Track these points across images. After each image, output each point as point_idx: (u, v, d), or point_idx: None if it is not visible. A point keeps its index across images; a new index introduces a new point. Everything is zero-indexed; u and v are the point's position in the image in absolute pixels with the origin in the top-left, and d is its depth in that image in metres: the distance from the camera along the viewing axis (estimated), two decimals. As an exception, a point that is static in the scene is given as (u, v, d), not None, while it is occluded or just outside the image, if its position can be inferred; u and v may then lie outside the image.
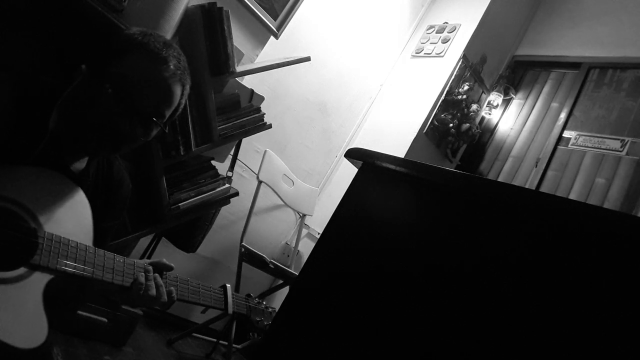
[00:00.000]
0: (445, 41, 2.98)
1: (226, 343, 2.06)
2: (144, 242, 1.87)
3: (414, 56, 3.10)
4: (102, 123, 0.81)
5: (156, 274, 0.88)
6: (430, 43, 3.05)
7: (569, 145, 2.76)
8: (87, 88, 0.83)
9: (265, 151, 2.40)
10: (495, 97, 3.11)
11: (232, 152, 1.96)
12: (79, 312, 1.56)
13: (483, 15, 2.92)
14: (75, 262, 0.76)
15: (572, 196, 2.56)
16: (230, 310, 0.98)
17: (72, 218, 0.80)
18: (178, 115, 0.94)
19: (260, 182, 2.30)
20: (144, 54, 0.84)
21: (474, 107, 2.99)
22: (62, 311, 0.96)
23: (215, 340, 2.26)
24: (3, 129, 0.76)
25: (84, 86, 0.83)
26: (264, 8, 2.01)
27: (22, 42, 1.21)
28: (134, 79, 0.82)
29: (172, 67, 0.86)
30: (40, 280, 0.73)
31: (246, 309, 1.04)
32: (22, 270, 0.71)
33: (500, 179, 2.91)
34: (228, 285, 1.02)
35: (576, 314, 0.51)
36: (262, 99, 1.87)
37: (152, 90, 0.84)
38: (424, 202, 0.73)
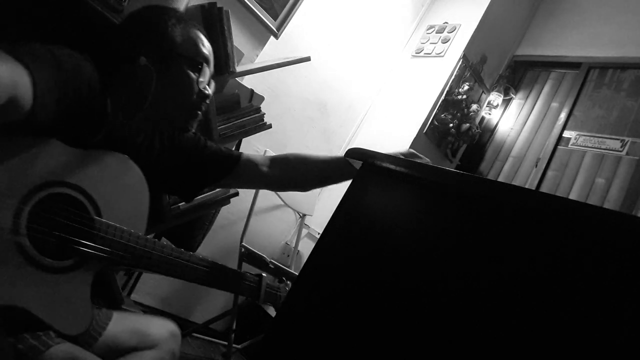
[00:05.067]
0: (445, 41, 2.98)
1: (226, 343, 2.06)
2: (144, 242, 1.87)
3: (414, 56, 3.10)
4: (201, 97, 0.90)
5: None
6: (430, 43, 3.05)
7: (569, 145, 2.76)
8: (168, 75, 0.87)
9: (265, 151, 2.40)
10: (495, 97, 3.11)
11: (232, 152, 1.96)
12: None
13: (483, 15, 2.93)
14: (125, 257, 0.78)
15: (572, 196, 2.57)
16: (261, 302, 0.99)
17: (130, 205, 0.82)
18: None
19: (260, 182, 2.29)
20: (182, 25, 0.90)
21: (474, 107, 2.99)
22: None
23: (215, 340, 2.26)
24: (70, 111, 0.75)
25: (162, 73, 0.86)
26: (264, 8, 2.01)
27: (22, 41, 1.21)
28: (198, 48, 0.90)
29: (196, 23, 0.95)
30: (92, 269, 0.75)
31: (275, 299, 1.03)
32: (74, 259, 0.73)
33: (500, 179, 2.91)
34: (264, 274, 1.02)
35: (589, 326, 0.51)
36: (262, 99, 1.87)
37: (208, 49, 0.93)
38: (424, 202, 0.73)
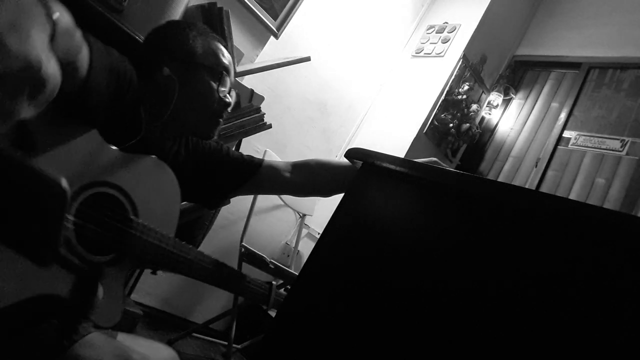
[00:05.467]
0: (445, 41, 2.99)
1: (226, 343, 2.06)
2: (144, 242, 1.87)
3: (414, 56, 3.10)
4: (222, 105, 0.94)
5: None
6: (430, 43, 3.05)
7: (569, 145, 2.76)
8: (190, 84, 0.90)
9: (265, 151, 2.40)
10: (495, 97, 3.11)
11: (232, 152, 1.96)
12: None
13: (483, 15, 2.93)
14: (156, 257, 0.83)
15: (572, 196, 2.57)
16: (269, 308, 1.05)
17: (164, 208, 0.86)
18: None
19: (260, 182, 2.29)
20: (203, 37, 0.94)
21: (474, 107, 2.99)
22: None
23: (215, 340, 2.26)
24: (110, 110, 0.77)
25: (184, 83, 0.90)
26: (264, 8, 2.01)
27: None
28: (219, 58, 0.94)
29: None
30: (126, 266, 0.80)
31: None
32: (111, 256, 0.77)
33: (500, 179, 2.91)
34: (274, 283, 1.06)
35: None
36: (262, 99, 1.87)
37: (228, 59, 0.97)
38: (424, 203, 0.73)
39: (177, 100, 0.89)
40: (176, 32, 0.93)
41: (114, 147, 0.77)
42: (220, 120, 0.96)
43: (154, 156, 0.85)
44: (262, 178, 1.07)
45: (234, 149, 1.93)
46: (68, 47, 0.56)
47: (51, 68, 0.41)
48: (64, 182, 0.46)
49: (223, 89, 0.94)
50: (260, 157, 2.03)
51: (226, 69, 0.95)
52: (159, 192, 0.85)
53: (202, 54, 0.92)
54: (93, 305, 0.61)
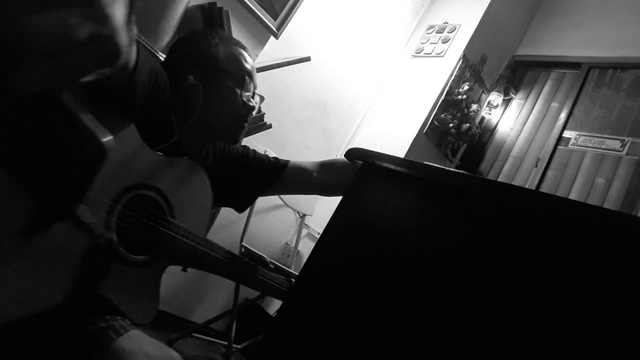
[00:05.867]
0: (445, 41, 2.99)
1: (226, 343, 2.06)
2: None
3: (414, 56, 3.10)
4: (246, 109, 0.96)
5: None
6: (430, 43, 3.05)
7: (569, 145, 2.76)
8: (214, 90, 0.92)
9: (265, 151, 2.40)
10: (495, 97, 3.11)
11: (232, 152, 1.96)
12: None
13: (483, 15, 2.93)
14: (189, 257, 0.87)
15: (572, 196, 2.57)
16: None
17: (197, 210, 0.90)
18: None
19: (260, 182, 2.29)
20: (225, 44, 0.96)
21: (474, 107, 2.99)
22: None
23: (215, 340, 2.26)
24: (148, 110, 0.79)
25: (208, 89, 0.91)
26: (264, 8, 2.01)
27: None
28: (241, 63, 0.96)
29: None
30: (162, 266, 0.83)
31: None
32: (149, 256, 0.80)
33: (500, 179, 2.92)
34: (293, 280, 1.09)
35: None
36: (262, 99, 1.86)
37: (250, 64, 0.99)
38: (423, 203, 0.73)
39: (202, 107, 0.91)
40: (199, 40, 0.95)
41: (152, 150, 0.79)
42: (245, 124, 0.98)
43: (191, 160, 0.87)
44: (288, 179, 1.10)
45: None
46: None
47: (129, 49, 0.43)
48: (109, 144, 0.49)
49: (246, 93, 0.96)
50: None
51: (249, 74, 0.97)
52: (193, 194, 0.88)
53: (225, 60, 0.94)
54: (108, 274, 0.63)
